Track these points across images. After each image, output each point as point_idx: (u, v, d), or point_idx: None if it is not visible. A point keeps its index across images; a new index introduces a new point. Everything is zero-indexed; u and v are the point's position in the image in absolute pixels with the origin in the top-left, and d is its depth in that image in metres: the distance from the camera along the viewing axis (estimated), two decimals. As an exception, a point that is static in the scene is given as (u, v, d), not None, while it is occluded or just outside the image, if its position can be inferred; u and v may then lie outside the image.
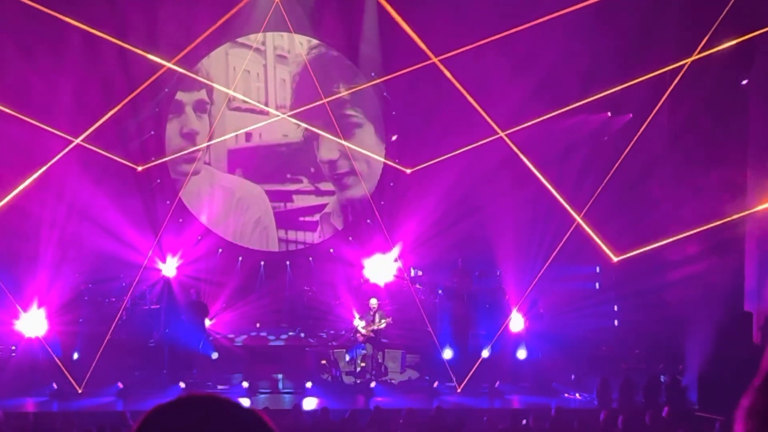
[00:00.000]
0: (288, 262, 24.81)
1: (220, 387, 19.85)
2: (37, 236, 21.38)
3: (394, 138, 24.56)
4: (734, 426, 1.41)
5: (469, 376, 19.88)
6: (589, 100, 20.44)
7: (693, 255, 20.01)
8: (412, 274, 24.04)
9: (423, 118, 23.66)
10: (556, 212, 20.61)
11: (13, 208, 20.41)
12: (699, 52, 18.87)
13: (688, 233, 19.53)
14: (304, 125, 23.56)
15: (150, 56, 20.58)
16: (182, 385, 19.50)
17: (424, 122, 23.57)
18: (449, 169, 22.20)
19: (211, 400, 1.84)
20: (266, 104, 24.06)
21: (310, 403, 18.88)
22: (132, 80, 21.34)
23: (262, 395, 19.68)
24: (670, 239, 19.68)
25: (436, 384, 20.06)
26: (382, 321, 20.77)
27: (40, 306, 20.10)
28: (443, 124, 22.48)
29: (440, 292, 23.36)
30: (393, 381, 20.90)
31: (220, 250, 24.54)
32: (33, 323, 19.88)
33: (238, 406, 1.85)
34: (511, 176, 22.03)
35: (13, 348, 20.50)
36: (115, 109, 20.55)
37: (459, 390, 19.84)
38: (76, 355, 20.60)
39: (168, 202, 23.29)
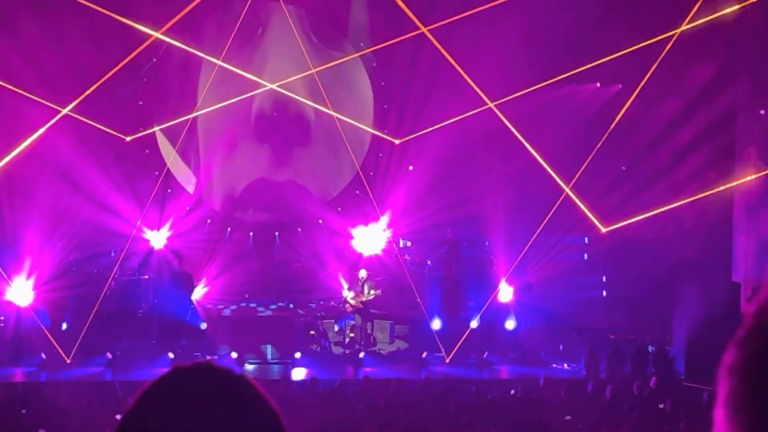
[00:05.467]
0: (277, 233, 24.79)
1: (208, 357, 19.85)
2: (25, 206, 21.29)
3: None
4: (717, 385, 1.39)
5: (457, 347, 19.94)
6: (578, 70, 20.37)
7: (681, 226, 20.06)
8: (401, 244, 24.06)
9: (412, 88, 23.57)
10: (545, 183, 20.58)
11: (0, 179, 20.34)
12: (688, 23, 18.83)
13: (676, 204, 19.57)
14: (293, 95, 23.38)
15: (138, 25, 20.41)
16: (171, 355, 19.50)
17: (413, 93, 23.47)
18: (438, 140, 22.13)
19: (204, 368, 1.85)
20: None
21: (299, 374, 18.95)
22: (120, 50, 21.16)
23: (251, 365, 19.73)
24: (659, 210, 19.70)
25: (424, 354, 20.11)
26: (372, 292, 20.78)
27: (28, 276, 20.08)
28: (432, 95, 22.42)
29: (429, 262, 23.39)
30: (382, 351, 20.95)
31: (209, 221, 24.50)
32: (21, 293, 19.86)
33: (231, 373, 1.86)
34: (501, 147, 21.96)
35: (1, 318, 20.48)
36: (103, 79, 20.38)
37: (448, 360, 19.91)
38: (64, 326, 20.59)
39: (156, 173, 23.20)
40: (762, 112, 19.78)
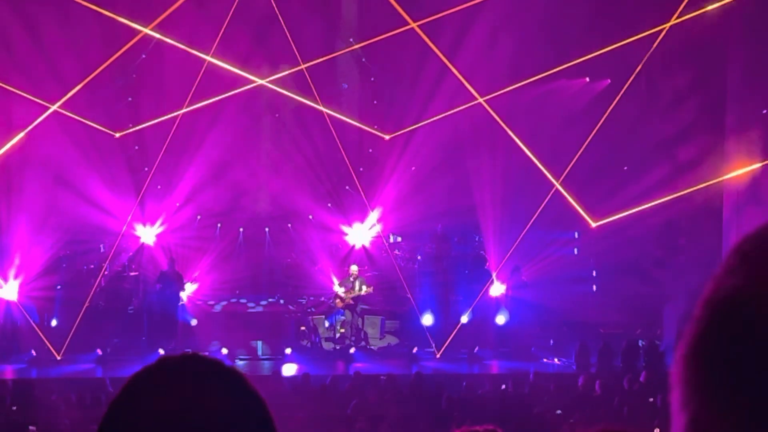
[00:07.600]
0: (267, 229, 24.76)
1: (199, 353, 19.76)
2: (15, 202, 21.21)
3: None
4: (690, 319, 1.39)
5: (448, 342, 19.94)
6: (567, 65, 20.37)
7: (671, 220, 20.08)
8: (392, 240, 24.04)
9: (402, 84, 23.54)
10: (536, 178, 20.58)
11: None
12: (678, 17, 18.84)
13: (666, 198, 19.58)
14: (282, 91, 23.30)
15: (127, 22, 20.34)
16: (161, 351, 19.46)
17: (402, 88, 23.45)
18: (428, 136, 22.12)
19: (190, 357, 1.85)
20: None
21: (289, 370, 18.93)
22: (109, 46, 21.08)
23: (242, 362, 19.70)
24: (649, 205, 19.71)
25: (415, 350, 20.12)
26: (363, 288, 20.75)
27: (17, 273, 20.01)
28: (422, 90, 22.37)
29: (419, 258, 23.38)
30: (372, 347, 20.95)
31: (199, 217, 24.44)
32: (10, 290, 19.80)
33: (217, 361, 1.86)
34: (491, 142, 21.96)
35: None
36: (92, 75, 20.33)
37: (438, 356, 19.92)
38: (54, 322, 20.53)
39: (146, 169, 23.14)
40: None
